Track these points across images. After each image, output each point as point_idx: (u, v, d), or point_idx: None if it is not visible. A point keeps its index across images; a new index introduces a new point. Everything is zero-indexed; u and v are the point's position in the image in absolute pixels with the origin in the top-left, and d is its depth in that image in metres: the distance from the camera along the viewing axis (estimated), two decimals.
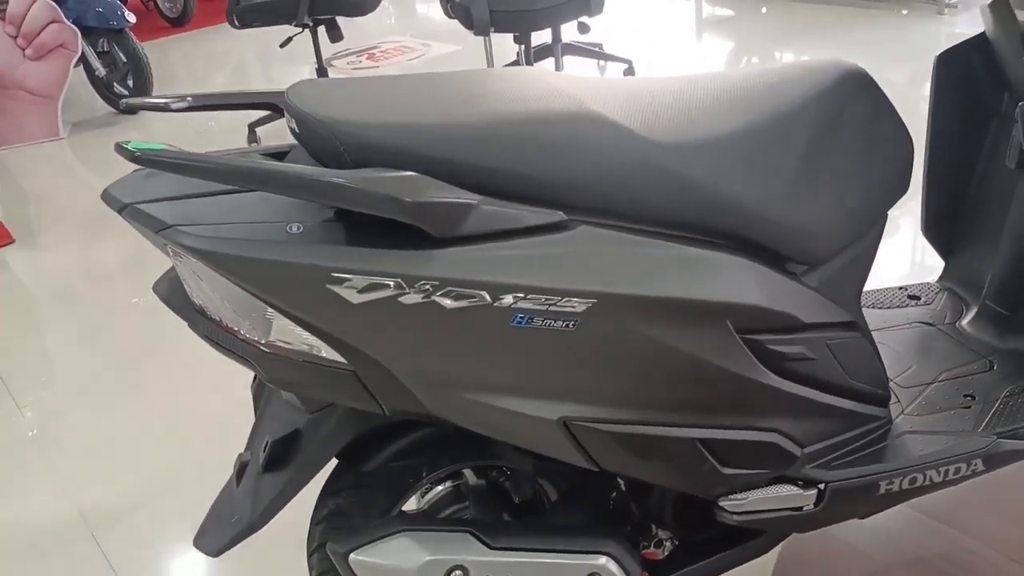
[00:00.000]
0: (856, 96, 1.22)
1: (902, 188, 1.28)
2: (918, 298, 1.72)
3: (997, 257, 1.62)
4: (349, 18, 4.15)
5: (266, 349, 1.03)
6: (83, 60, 4.70)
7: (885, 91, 1.24)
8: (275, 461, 1.17)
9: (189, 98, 1.18)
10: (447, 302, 0.98)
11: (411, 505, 1.37)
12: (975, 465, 1.34)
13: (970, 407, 1.42)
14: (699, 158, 1.08)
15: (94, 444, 2.29)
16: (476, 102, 1.06)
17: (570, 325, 1.01)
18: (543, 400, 1.06)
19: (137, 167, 1.08)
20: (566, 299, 1.00)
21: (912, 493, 1.32)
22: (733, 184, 1.10)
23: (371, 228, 0.98)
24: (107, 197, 1.04)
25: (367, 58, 5.57)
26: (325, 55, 4.46)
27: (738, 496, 1.20)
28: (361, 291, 0.96)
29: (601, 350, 1.04)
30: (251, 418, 1.35)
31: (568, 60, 4.55)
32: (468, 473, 1.37)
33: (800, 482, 1.24)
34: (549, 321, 1.01)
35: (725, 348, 1.09)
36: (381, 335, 1.00)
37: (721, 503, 1.20)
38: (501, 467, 1.36)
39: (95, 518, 2.02)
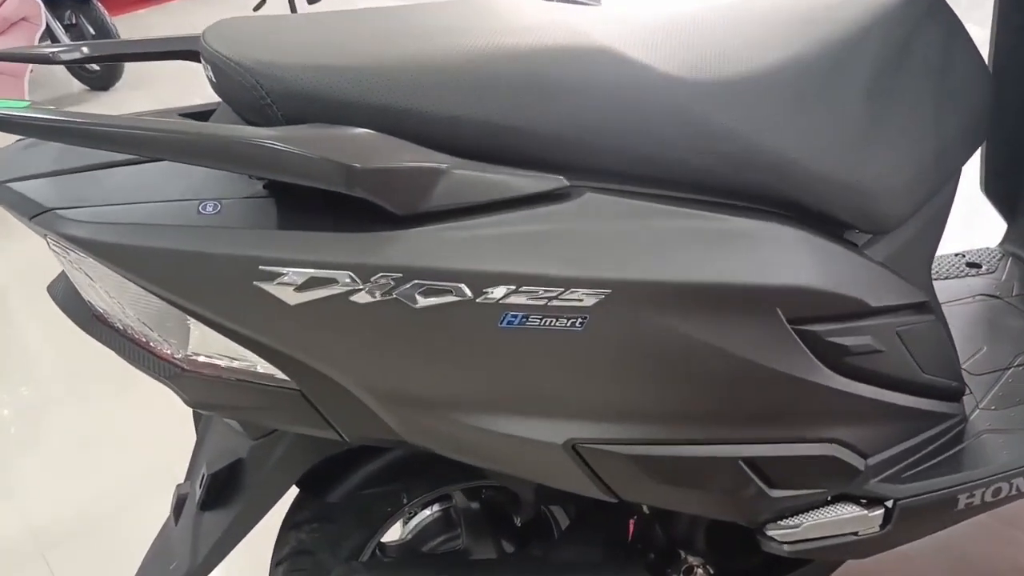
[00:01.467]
0: (927, 18, 0.98)
1: (981, 134, 1.04)
2: (979, 266, 1.48)
3: None
4: None
5: (184, 366, 0.80)
6: (48, 34, 4.42)
7: None
8: (215, 497, 0.94)
9: (84, 48, 0.93)
10: (415, 299, 0.74)
11: (392, 534, 1.15)
12: None
13: None
14: (736, 100, 0.84)
15: (52, 450, 2.07)
16: (443, 37, 0.81)
17: (576, 323, 0.78)
18: (545, 419, 0.83)
19: (19, 137, 0.85)
20: (571, 290, 0.76)
21: (994, 505, 1.09)
22: (780, 132, 0.86)
23: (310, 205, 0.74)
24: None
25: None
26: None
27: (789, 522, 0.97)
28: (300, 288, 0.72)
29: (617, 353, 0.81)
30: None
31: None
32: (458, 494, 1.14)
33: (863, 500, 1.01)
34: (550, 319, 0.77)
35: (774, 343, 0.86)
36: (330, 344, 0.76)
37: (768, 531, 0.98)
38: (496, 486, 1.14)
39: (48, 537, 1.80)
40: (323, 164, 0.69)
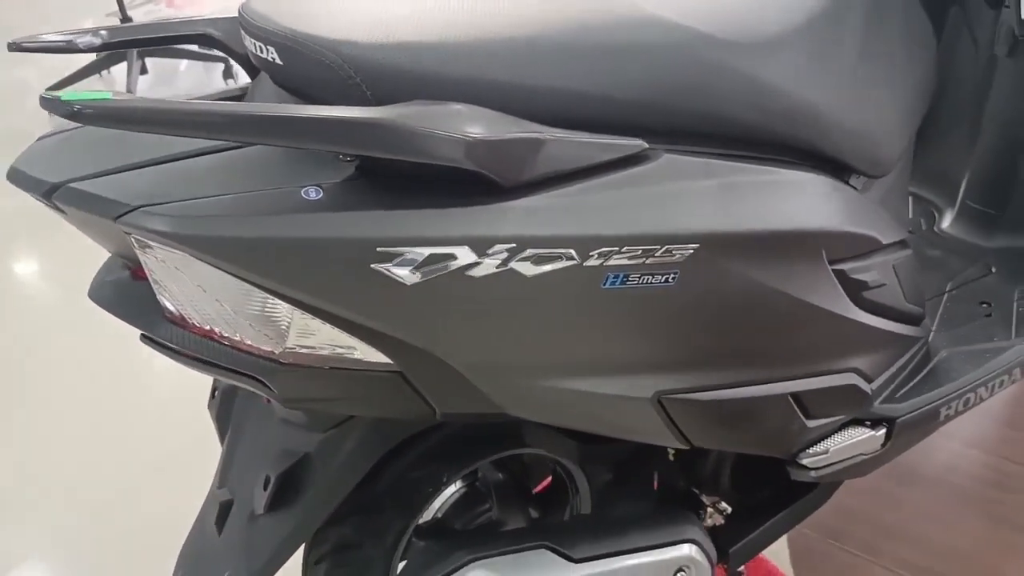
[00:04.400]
0: None
1: (934, 82, 1.15)
2: None
3: (974, 153, 1.54)
4: None
5: (282, 360, 0.76)
6: None
7: None
8: (278, 499, 0.90)
9: (103, 31, 0.85)
10: (527, 267, 0.75)
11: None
12: (1015, 375, 1.26)
13: (991, 315, 1.34)
14: (773, 58, 0.89)
15: None
16: (511, 10, 0.81)
17: (670, 279, 0.81)
18: (637, 375, 0.85)
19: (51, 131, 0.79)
20: (665, 247, 0.79)
21: (962, 413, 1.22)
22: (809, 86, 0.92)
23: (413, 183, 0.73)
24: (20, 178, 0.73)
25: (166, 5, 4.99)
26: (109, 7, 3.94)
27: (817, 449, 1.05)
28: (419, 267, 0.71)
29: (702, 304, 0.84)
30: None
31: None
32: (486, 468, 1.15)
33: (868, 422, 1.11)
34: (647, 277, 0.80)
35: (819, 282, 0.93)
36: (443, 321, 0.75)
37: (801, 460, 1.05)
38: (519, 457, 1.15)
39: None
40: (441, 139, 0.68)
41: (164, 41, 0.90)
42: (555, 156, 0.75)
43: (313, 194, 0.71)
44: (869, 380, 1.08)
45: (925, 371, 1.20)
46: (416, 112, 0.69)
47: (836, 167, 0.99)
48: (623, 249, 0.77)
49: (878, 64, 1.02)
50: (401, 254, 0.70)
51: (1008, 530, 1.43)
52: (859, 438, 1.08)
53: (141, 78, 3.71)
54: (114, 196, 0.69)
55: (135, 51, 3.60)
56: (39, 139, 0.80)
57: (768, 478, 1.14)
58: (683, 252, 0.80)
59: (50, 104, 0.63)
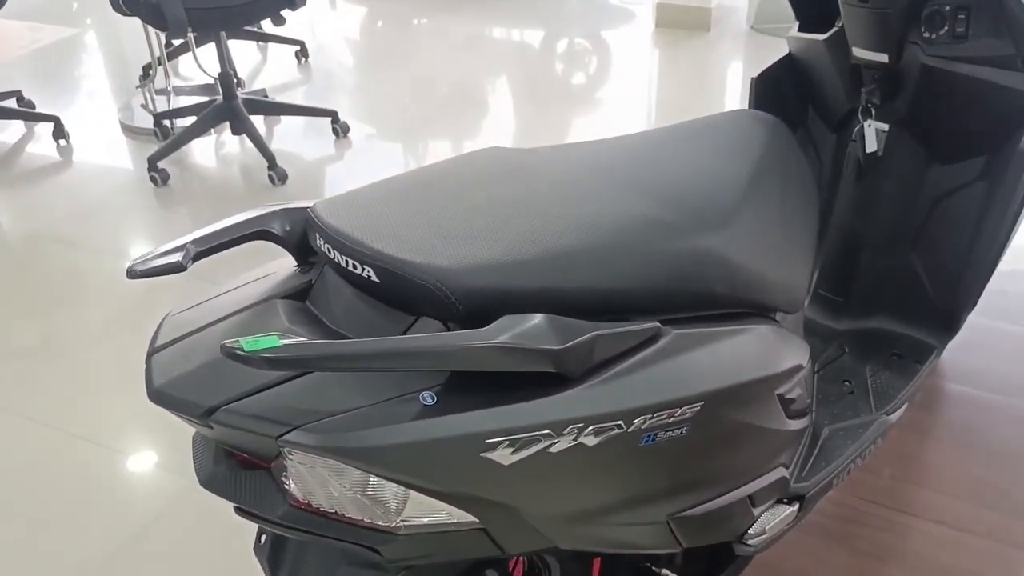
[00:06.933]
0: (787, 147, 1.35)
1: (818, 222, 1.44)
2: None
3: (822, 250, 1.87)
4: None
5: (393, 532, 0.91)
6: None
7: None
8: None
9: (191, 244, 0.95)
10: (591, 439, 0.94)
11: None
12: (878, 443, 1.58)
13: (853, 392, 1.67)
14: (734, 239, 1.13)
15: None
16: (541, 219, 1.00)
17: (684, 431, 1.02)
18: (656, 504, 1.06)
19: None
20: (683, 408, 1.01)
21: (842, 480, 1.53)
22: (754, 256, 1.16)
23: (500, 382, 0.90)
24: (170, 401, 0.84)
25: None
26: None
27: (756, 530, 1.30)
28: (515, 451, 0.89)
29: (703, 444, 1.06)
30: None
31: (232, 43, 4.23)
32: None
33: (786, 500, 1.37)
34: (669, 432, 1.01)
35: (771, 410, 1.18)
36: (528, 488, 0.93)
37: (747, 540, 1.30)
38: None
39: None
40: (535, 353, 0.86)
41: (233, 242, 1.01)
42: (604, 347, 0.95)
43: (429, 399, 0.87)
44: (788, 467, 1.34)
45: (817, 451, 1.49)
46: (509, 331, 0.87)
47: (768, 310, 1.24)
48: (655, 415, 0.98)
49: (791, 222, 1.29)
50: (503, 442, 0.87)
51: (872, 560, 1.76)
52: (783, 515, 1.35)
53: None
54: (271, 416, 0.82)
55: None
56: (156, 352, 0.90)
57: (704, 552, 1.38)
58: (693, 409, 1.02)
59: (233, 356, 0.75)
